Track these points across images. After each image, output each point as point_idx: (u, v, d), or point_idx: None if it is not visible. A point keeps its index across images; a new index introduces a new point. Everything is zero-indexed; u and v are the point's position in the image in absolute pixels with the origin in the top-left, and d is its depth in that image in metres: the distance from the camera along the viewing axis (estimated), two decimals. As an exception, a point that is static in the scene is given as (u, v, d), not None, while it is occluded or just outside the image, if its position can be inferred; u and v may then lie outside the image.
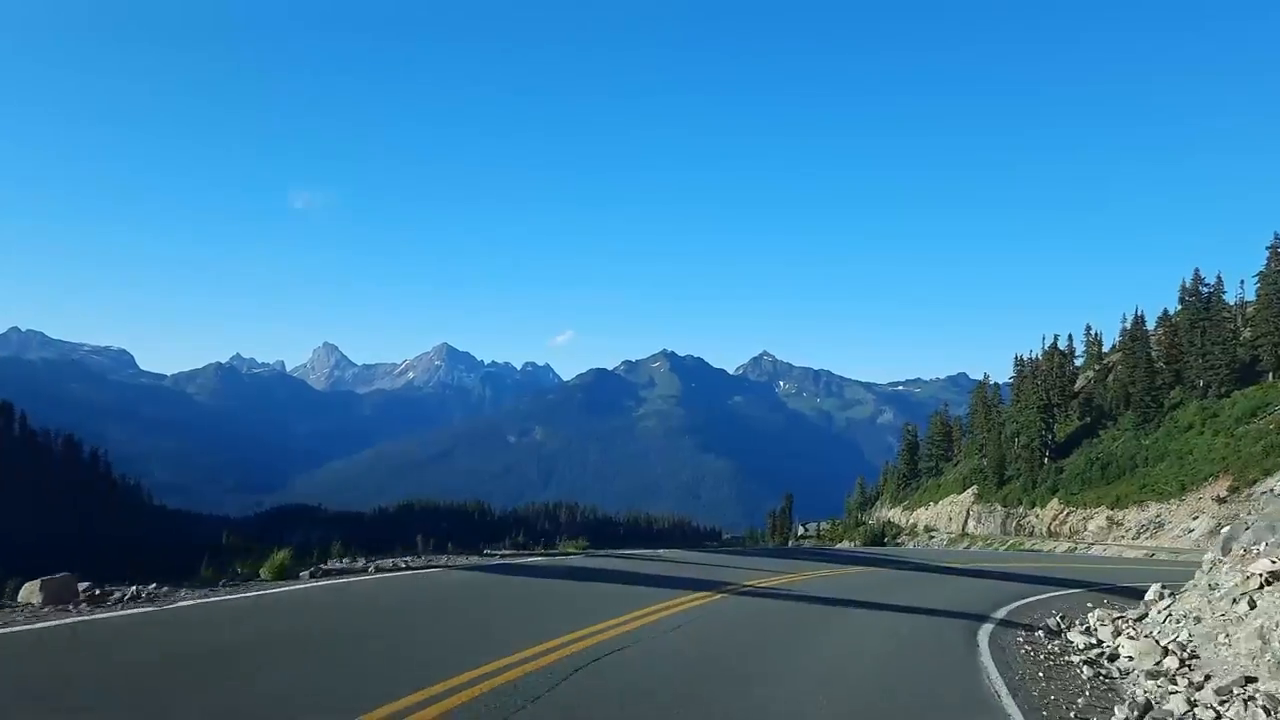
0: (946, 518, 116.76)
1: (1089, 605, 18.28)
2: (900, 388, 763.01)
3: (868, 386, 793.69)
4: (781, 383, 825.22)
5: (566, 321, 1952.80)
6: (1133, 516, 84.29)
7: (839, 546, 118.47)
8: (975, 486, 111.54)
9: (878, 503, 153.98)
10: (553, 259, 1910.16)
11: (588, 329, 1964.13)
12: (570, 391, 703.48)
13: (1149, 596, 16.74)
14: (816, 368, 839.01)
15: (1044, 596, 21.24)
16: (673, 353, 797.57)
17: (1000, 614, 16.56)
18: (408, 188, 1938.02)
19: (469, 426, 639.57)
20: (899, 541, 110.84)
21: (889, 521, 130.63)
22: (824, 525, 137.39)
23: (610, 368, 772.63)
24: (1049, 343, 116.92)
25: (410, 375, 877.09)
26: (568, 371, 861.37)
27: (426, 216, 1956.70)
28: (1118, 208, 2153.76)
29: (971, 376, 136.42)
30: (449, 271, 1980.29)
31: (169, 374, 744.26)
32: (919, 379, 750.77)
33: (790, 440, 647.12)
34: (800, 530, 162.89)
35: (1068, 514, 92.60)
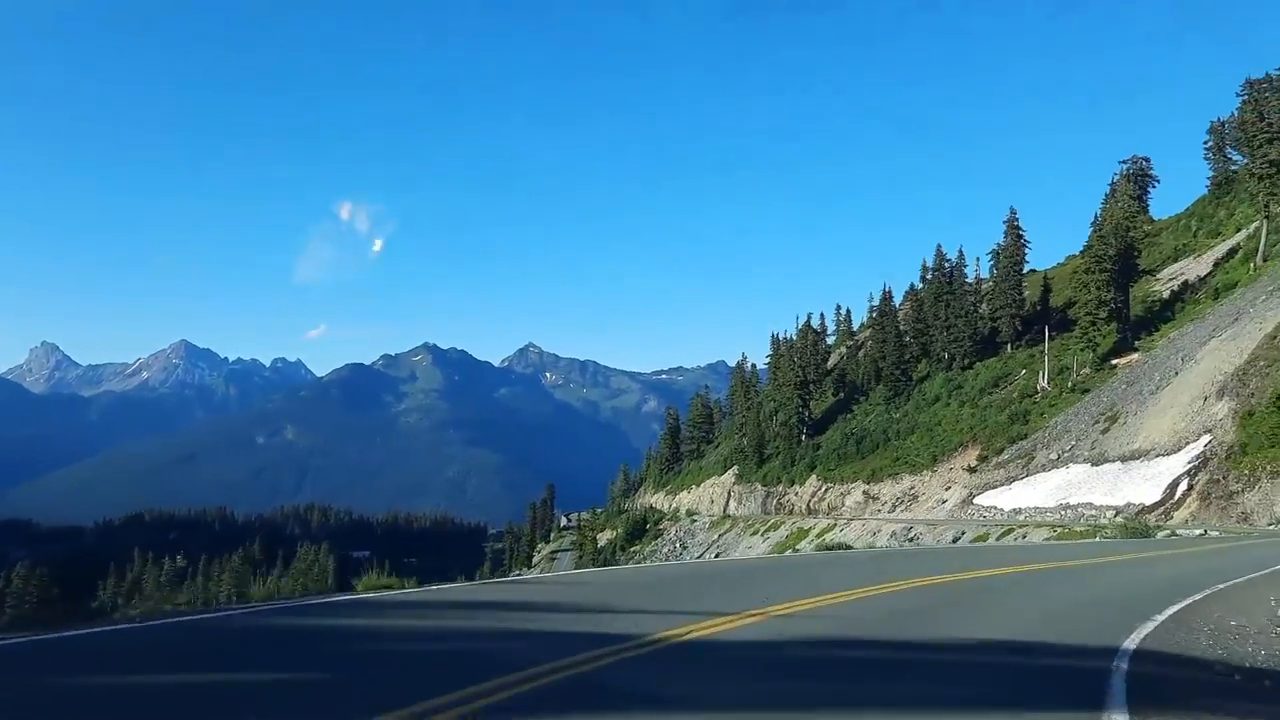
0: (709, 500, 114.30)
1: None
2: (664, 376, 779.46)
3: (633, 376, 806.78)
4: (548, 374, 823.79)
5: (320, 315, 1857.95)
6: (888, 490, 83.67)
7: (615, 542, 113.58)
8: (736, 467, 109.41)
9: (641, 488, 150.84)
10: (304, 250, 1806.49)
11: (343, 322, 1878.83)
12: (325, 388, 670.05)
13: None
14: (583, 358, 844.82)
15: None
16: (435, 345, 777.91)
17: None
18: (135, 169, 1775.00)
19: (213, 428, 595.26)
20: (661, 528, 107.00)
21: (651, 507, 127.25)
22: (584, 515, 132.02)
23: (368, 362, 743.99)
24: (802, 322, 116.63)
25: (144, 375, 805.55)
26: (322, 367, 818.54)
27: (157, 209, 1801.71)
28: (867, 188, 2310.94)
29: (730, 364, 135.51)
30: (186, 263, 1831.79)
31: None
32: (681, 367, 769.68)
33: (558, 431, 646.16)
34: (563, 521, 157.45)
35: (826, 490, 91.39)
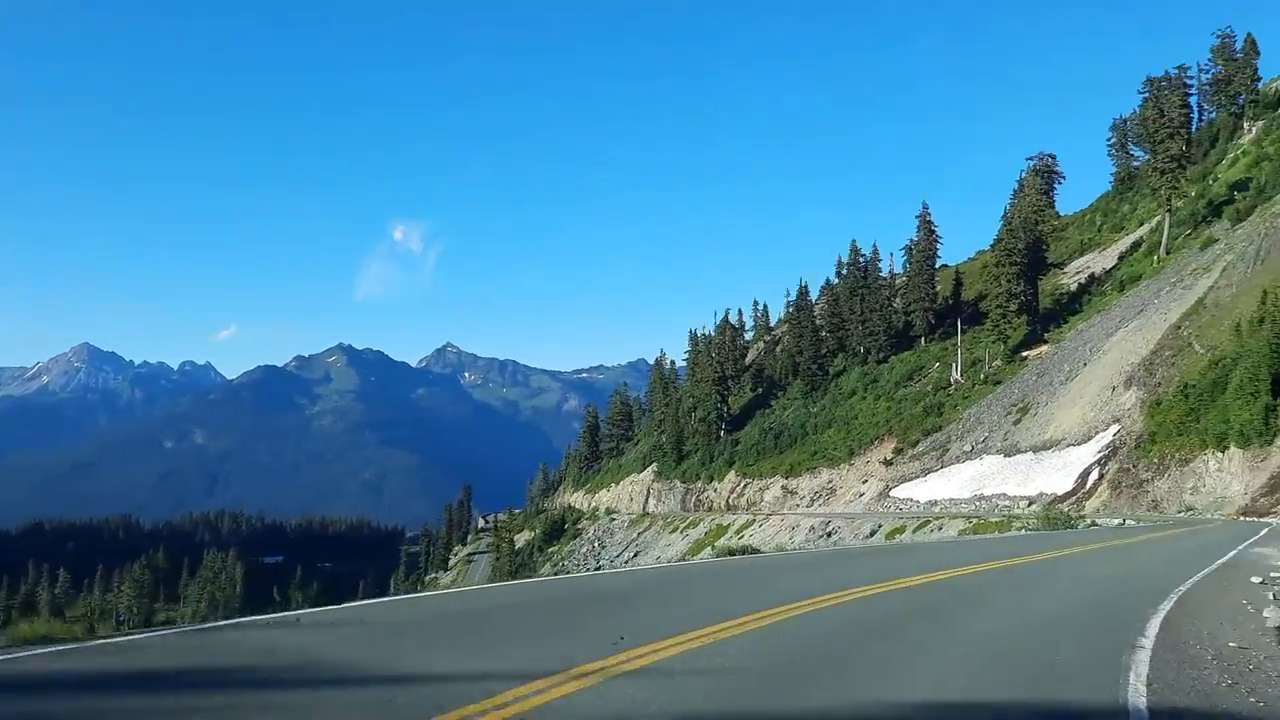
0: (628, 498, 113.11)
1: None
2: (585, 375, 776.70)
3: (553, 375, 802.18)
4: (467, 374, 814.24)
5: (230, 316, 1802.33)
6: (806, 484, 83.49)
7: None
8: (655, 464, 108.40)
9: (561, 488, 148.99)
10: (211, 249, 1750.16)
11: (255, 323, 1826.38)
12: (235, 391, 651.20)
13: None
14: (503, 358, 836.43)
15: None
16: (350, 346, 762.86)
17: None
18: (34, 171, 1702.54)
19: (118, 433, 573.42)
20: (579, 528, 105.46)
21: (570, 507, 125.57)
22: (500, 516, 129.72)
23: (281, 364, 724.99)
24: (721, 318, 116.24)
25: (44, 379, 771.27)
26: (233, 369, 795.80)
27: (58, 205, 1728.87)
28: (781, 184, 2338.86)
29: (651, 362, 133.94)
30: (86, 265, 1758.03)
31: None
32: (603, 365, 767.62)
33: (478, 431, 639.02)
34: (480, 522, 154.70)
35: (745, 485, 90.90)
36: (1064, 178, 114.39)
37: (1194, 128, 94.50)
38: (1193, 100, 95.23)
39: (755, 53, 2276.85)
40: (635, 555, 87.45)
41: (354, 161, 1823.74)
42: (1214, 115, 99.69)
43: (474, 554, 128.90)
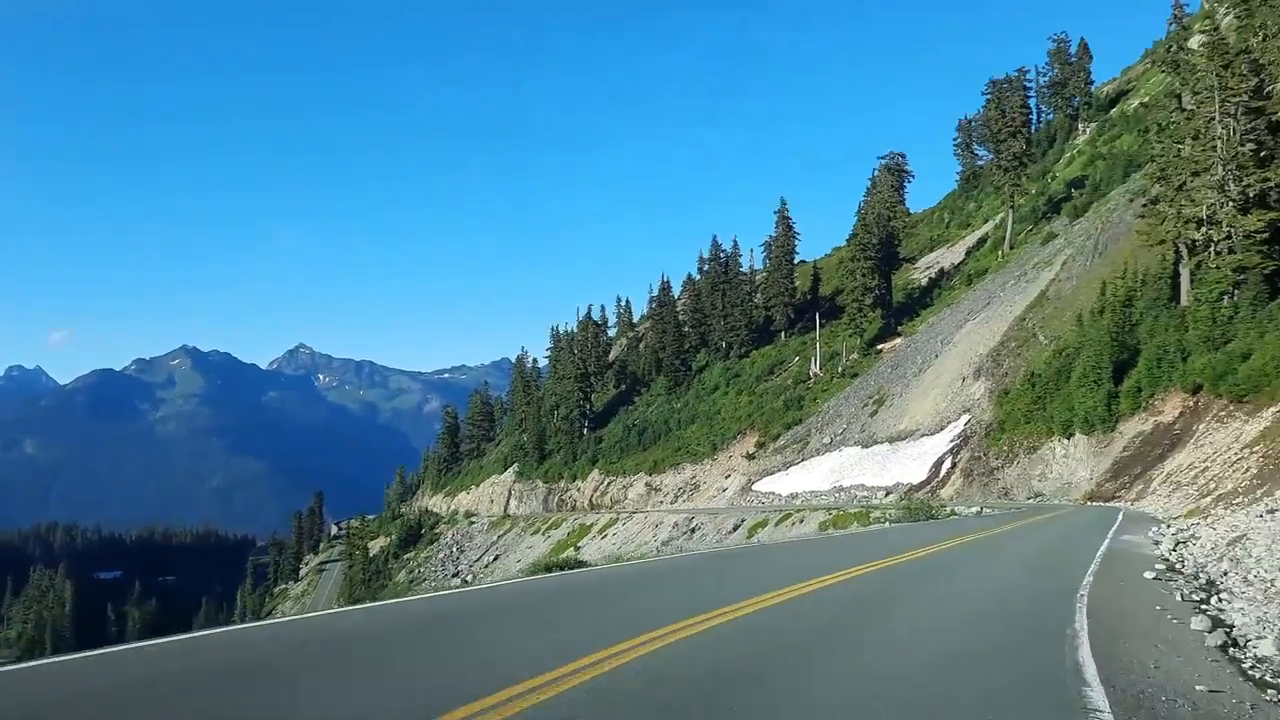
0: (488, 500, 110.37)
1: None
2: (447, 375, 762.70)
3: (413, 375, 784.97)
4: (321, 375, 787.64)
5: (64, 318, 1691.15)
6: (670, 480, 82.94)
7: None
8: (516, 464, 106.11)
9: (419, 491, 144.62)
10: (42, 247, 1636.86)
11: (91, 325, 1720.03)
12: (69, 396, 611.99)
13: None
14: (359, 359, 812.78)
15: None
16: (195, 348, 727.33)
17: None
18: None
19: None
20: (437, 532, 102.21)
21: (427, 510, 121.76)
22: (353, 523, 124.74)
23: (119, 368, 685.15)
24: (583, 314, 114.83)
25: None
26: (66, 374, 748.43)
27: None
28: (647, 180, 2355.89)
29: (514, 361, 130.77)
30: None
31: None
32: (465, 365, 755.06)
33: (334, 435, 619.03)
34: (334, 530, 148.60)
35: (609, 484, 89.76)
36: (914, 176, 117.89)
37: (1033, 128, 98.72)
38: (1032, 102, 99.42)
39: (611, 50, 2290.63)
40: (495, 559, 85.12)
41: (198, 156, 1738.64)
42: (1051, 117, 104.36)
43: (326, 563, 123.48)
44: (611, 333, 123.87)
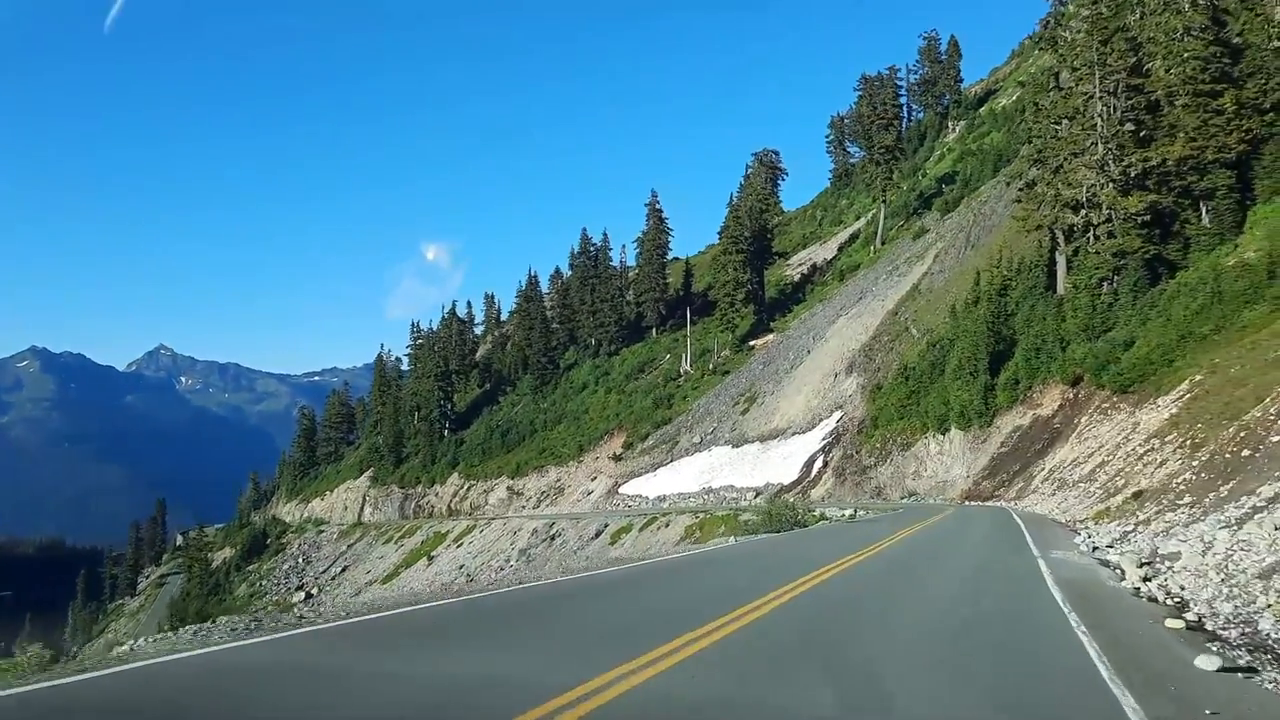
0: (343, 506, 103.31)
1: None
2: (317, 378, 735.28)
3: (281, 378, 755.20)
4: (184, 378, 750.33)
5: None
6: (533, 484, 78.25)
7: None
8: (373, 468, 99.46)
9: (275, 498, 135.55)
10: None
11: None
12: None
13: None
14: (224, 361, 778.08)
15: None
16: (45, 350, 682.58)
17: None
18: None
19: None
20: (284, 541, 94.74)
21: (275, 518, 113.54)
22: (192, 533, 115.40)
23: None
24: (447, 310, 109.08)
25: None
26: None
27: None
28: (517, 173, 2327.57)
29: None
30: None
31: None
32: (336, 368, 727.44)
33: (198, 439, 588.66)
34: (179, 540, 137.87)
35: (469, 488, 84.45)
36: (787, 174, 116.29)
37: (904, 126, 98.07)
38: (903, 99, 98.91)
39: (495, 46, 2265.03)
40: (344, 570, 78.86)
41: (42, 149, 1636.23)
42: (922, 115, 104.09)
43: (167, 575, 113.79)
44: (479, 330, 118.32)
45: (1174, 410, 25.41)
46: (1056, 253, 42.25)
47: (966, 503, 35.89)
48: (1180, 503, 17.91)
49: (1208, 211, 36.59)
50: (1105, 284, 37.70)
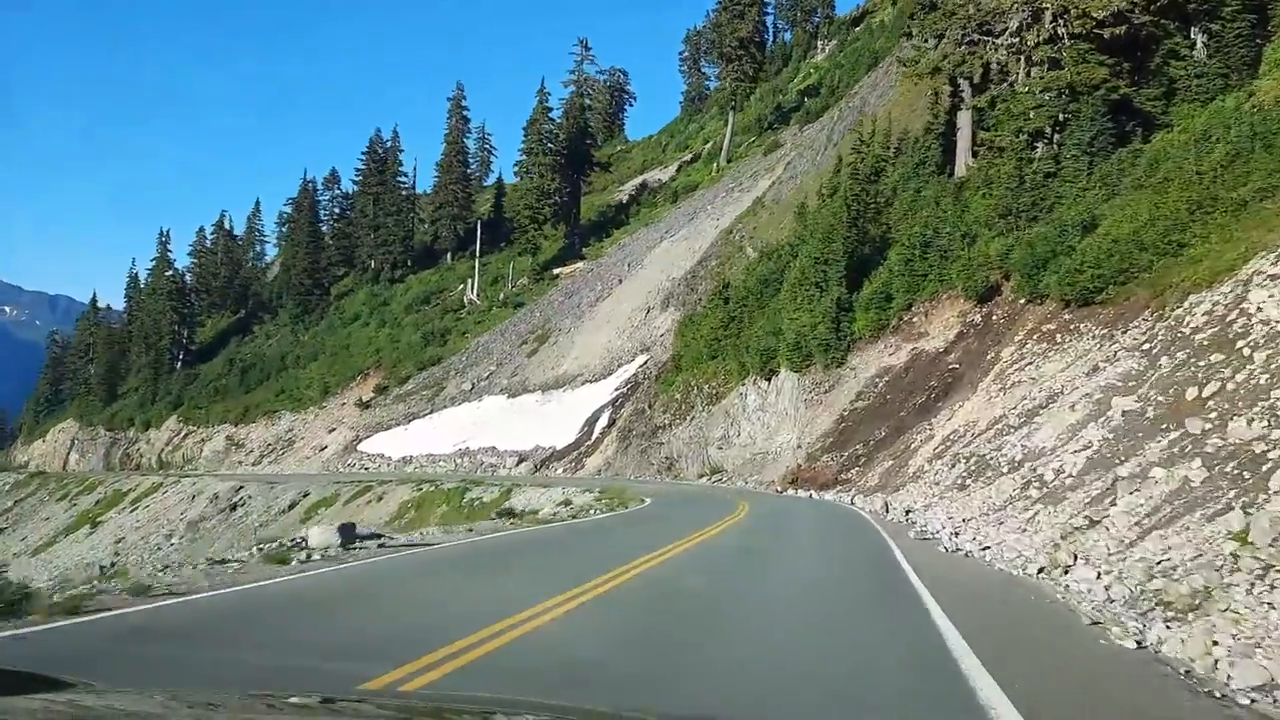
0: (54, 454, 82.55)
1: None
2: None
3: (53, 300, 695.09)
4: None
5: None
6: (260, 433, 60.44)
7: None
8: (78, 405, 79.16)
9: (16, 441, 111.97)
10: None
11: None
12: None
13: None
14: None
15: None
16: None
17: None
18: None
19: None
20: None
21: (12, 461, 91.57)
22: None
23: None
24: (216, 222, 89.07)
25: None
26: None
27: None
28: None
29: (79, 300, 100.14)
30: None
31: None
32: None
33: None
34: None
35: (186, 435, 65.82)
36: (635, 99, 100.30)
37: (769, 48, 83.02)
38: (769, 19, 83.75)
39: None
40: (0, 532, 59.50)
41: None
42: (790, 35, 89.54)
43: None
44: (272, 251, 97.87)
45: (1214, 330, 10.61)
46: (959, 110, 27.57)
47: (792, 490, 20.72)
48: None
49: (1208, 41, 22.37)
50: (1040, 142, 23.16)
